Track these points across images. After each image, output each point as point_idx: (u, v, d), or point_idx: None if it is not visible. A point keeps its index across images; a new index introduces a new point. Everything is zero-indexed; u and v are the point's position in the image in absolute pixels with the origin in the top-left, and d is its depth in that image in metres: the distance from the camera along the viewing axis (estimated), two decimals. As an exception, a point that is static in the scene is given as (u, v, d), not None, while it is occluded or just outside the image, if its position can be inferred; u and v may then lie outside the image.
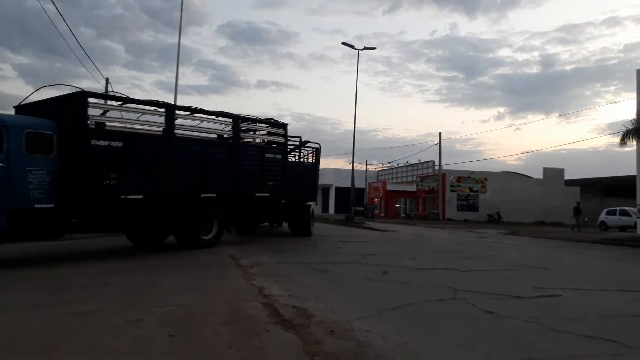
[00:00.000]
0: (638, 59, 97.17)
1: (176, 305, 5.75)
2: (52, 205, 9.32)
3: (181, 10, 23.57)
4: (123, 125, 11.28)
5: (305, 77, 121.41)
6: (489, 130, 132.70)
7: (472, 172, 42.55)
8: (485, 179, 42.53)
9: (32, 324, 4.99)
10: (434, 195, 43.34)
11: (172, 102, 19.83)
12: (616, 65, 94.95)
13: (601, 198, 42.41)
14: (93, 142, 9.70)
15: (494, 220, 38.56)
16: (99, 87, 27.46)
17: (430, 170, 47.78)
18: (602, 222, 30.45)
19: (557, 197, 41.10)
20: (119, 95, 11.08)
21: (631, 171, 23.88)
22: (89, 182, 9.66)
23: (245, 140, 14.01)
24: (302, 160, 18.43)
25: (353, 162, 33.55)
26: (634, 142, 20.19)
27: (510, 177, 45.02)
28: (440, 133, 41.84)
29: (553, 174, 43.81)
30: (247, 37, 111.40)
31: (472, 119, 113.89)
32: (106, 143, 9.92)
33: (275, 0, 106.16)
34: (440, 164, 42.15)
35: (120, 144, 10.14)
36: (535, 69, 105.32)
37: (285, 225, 17.75)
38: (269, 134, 15.01)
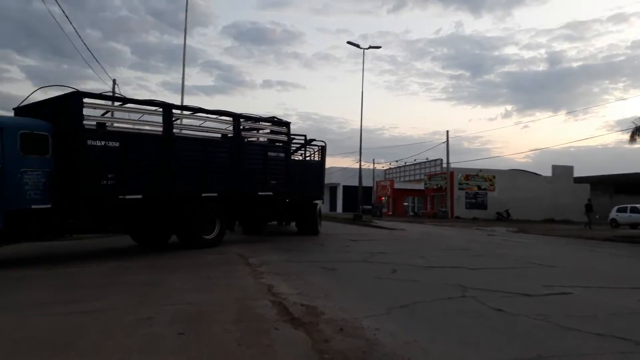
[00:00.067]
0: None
1: (186, 304, 5.79)
2: (48, 206, 9.29)
3: (186, 11, 23.71)
4: (122, 125, 11.27)
5: (310, 76, 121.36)
6: (497, 128, 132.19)
7: (480, 170, 42.36)
8: (494, 176, 42.32)
9: (44, 322, 5.04)
10: (442, 194, 43.19)
11: (180, 103, 20.01)
12: (624, 62, 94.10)
13: (611, 195, 42.08)
14: (89, 142, 9.67)
15: (502, 218, 38.36)
16: (106, 88, 27.65)
17: (438, 168, 47.55)
18: (613, 220, 30.23)
19: (567, 195, 40.84)
20: (115, 95, 11.02)
21: (642, 168, 23.61)
22: (85, 183, 9.62)
23: (247, 139, 13.94)
24: (309, 158, 18.31)
25: (360, 160, 33.54)
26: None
27: (518, 175, 44.78)
28: (447, 131, 41.63)
29: (562, 172, 43.53)
30: (252, 37, 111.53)
31: (479, 117, 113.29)
32: (103, 143, 9.88)
33: (280, 1, 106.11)
34: (448, 162, 41.98)
35: (117, 144, 10.10)
36: (542, 67, 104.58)
37: (293, 224, 17.76)
38: (272, 132, 14.91)
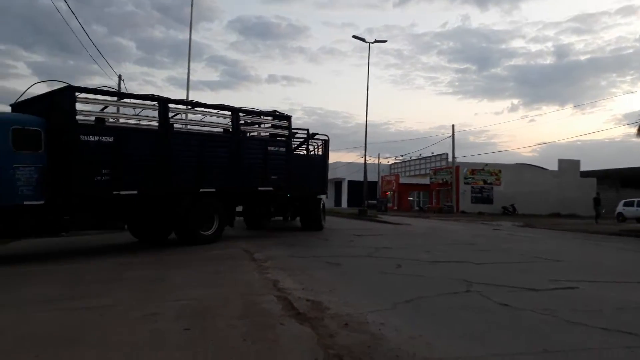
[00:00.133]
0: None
1: (191, 299, 5.81)
2: (42, 202, 9.23)
3: (191, 6, 23.69)
4: (121, 120, 11.25)
5: (316, 71, 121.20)
6: (503, 122, 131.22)
7: (486, 165, 42.17)
8: (500, 171, 42.12)
9: (49, 318, 5.08)
10: (447, 188, 43.06)
11: (185, 98, 20.02)
12: (632, 55, 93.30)
13: (617, 189, 41.77)
14: (82, 137, 9.54)
15: (508, 212, 38.22)
16: (112, 83, 27.69)
17: (444, 162, 47.40)
18: (620, 214, 30.03)
19: (573, 189, 40.59)
20: (109, 89, 10.77)
21: (649, 162, 23.43)
22: (78, 178, 9.52)
23: (247, 133, 13.77)
24: (312, 152, 17.95)
25: (365, 155, 33.52)
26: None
27: (524, 169, 44.54)
28: (453, 125, 41.49)
29: (569, 166, 43.24)
30: (257, 32, 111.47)
31: (485, 110, 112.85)
32: (96, 138, 9.75)
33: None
34: (453, 157, 41.86)
35: (111, 139, 9.97)
36: (549, 60, 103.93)
37: (298, 219, 17.72)
38: (273, 126, 14.69)
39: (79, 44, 49.01)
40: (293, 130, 16.40)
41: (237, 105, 13.19)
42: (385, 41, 33.95)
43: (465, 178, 41.55)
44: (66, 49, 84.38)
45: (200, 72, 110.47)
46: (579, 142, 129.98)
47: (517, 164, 46.28)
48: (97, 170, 9.78)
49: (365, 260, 9.67)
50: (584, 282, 7.19)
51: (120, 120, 11.42)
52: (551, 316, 5.08)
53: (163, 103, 11.17)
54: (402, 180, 53.77)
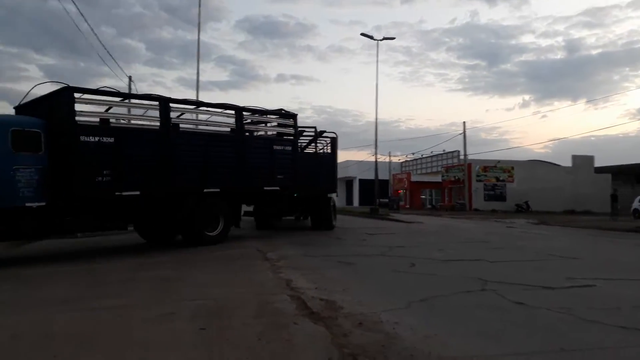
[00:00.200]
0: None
1: (206, 299, 5.85)
2: (43, 204, 9.21)
3: (199, 6, 23.75)
4: (124, 120, 11.17)
5: (324, 69, 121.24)
6: (514, 118, 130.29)
7: (499, 162, 41.85)
8: (512, 168, 41.80)
9: (69, 318, 5.14)
10: (460, 186, 42.83)
11: (195, 98, 20.10)
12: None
13: (633, 185, 41.20)
14: (82, 138, 9.49)
15: (522, 209, 37.89)
16: (122, 85, 27.97)
17: (456, 160, 47.14)
18: (636, 210, 29.64)
19: (587, 185, 40.15)
20: (109, 90, 10.72)
21: (665, 157, 23.08)
22: (79, 180, 9.47)
23: (252, 132, 13.64)
24: (322, 151, 17.73)
25: (376, 153, 33.43)
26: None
27: (537, 166, 44.17)
28: (464, 122, 41.48)
29: (582, 162, 42.76)
30: (265, 31, 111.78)
31: (496, 107, 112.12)
32: (97, 139, 9.68)
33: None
34: (465, 154, 41.59)
35: (112, 140, 9.90)
36: (559, 55, 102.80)
37: (309, 219, 17.66)
38: (279, 125, 14.52)
39: (89, 46, 49.64)
40: (300, 129, 16.18)
41: (245, 104, 13.12)
42: (393, 38, 34.03)
43: (478, 175, 41.28)
44: (76, 51, 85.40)
45: (210, 72, 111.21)
46: (592, 138, 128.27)
47: (529, 160, 45.94)
48: (98, 171, 9.70)
49: (378, 259, 9.66)
50: (600, 280, 7.11)
51: (123, 121, 11.32)
52: (567, 314, 5.03)
53: (164, 103, 11.08)
54: (413, 179, 53.60)
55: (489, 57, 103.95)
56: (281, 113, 14.42)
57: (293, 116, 14.29)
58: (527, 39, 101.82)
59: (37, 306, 5.76)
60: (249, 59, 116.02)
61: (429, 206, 50.19)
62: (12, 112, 10.97)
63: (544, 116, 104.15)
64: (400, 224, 22.23)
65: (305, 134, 16.92)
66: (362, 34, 31.88)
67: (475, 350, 4.00)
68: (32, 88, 10.40)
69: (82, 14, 22.39)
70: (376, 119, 32.10)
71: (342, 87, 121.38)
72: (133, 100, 11.76)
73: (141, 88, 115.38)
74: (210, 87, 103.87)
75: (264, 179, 13.06)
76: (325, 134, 17.42)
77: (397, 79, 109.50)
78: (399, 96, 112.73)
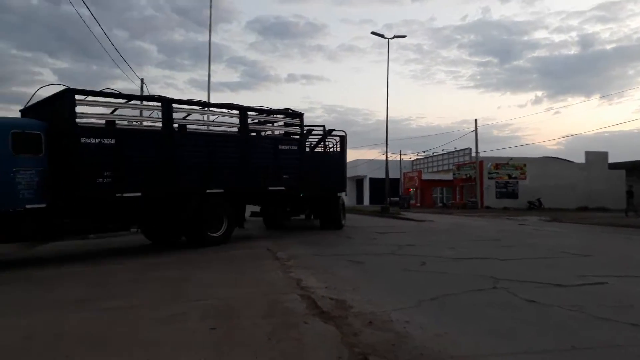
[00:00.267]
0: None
1: (216, 299, 5.88)
2: (43, 206, 9.22)
3: (210, 8, 23.92)
4: (125, 122, 11.15)
5: (335, 68, 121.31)
6: (527, 115, 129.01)
7: (511, 159, 41.50)
8: (525, 165, 41.40)
9: (80, 318, 5.20)
10: (471, 184, 42.53)
11: (207, 100, 20.20)
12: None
13: (648, 181, 40.65)
14: (83, 140, 9.49)
15: (534, 207, 37.53)
16: (134, 87, 28.22)
17: (467, 158, 46.85)
18: (651, 206, 29.18)
19: (601, 182, 39.64)
20: (111, 91, 10.68)
21: (680, 152, 22.76)
22: (80, 181, 9.48)
23: (258, 132, 13.59)
24: (332, 150, 17.54)
25: (387, 152, 33.35)
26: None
27: (550, 162, 43.69)
28: (476, 120, 40.88)
29: (596, 158, 42.21)
30: (276, 31, 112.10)
31: (509, 104, 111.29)
32: (97, 141, 9.68)
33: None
34: (477, 151, 41.26)
35: (113, 141, 9.89)
36: (573, 50, 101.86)
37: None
38: (285, 125, 14.42)
39: (102, 49, 49.92)
40: (309, 127, 16.10)
41: (256, 105, 13.12)
42: (404, 36, 33.79)
43: (490, 173, 40.96)
44: (89, 54, 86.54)
45: (221, 73, 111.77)
46: (606, 134, 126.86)
47: (542, 157, 45.44)
48: (99, 172, 9.69)
49: (389, 258, 9.64)
50: (612, 277, 7.04)
51: (126, 122, 11.25)
52: (579, 312, 4.99)
53: (167, 104, 11.03)
54: (424, 177, 53.37)
55: (501, 54, 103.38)
56: (287, 112, 14.29)
57: (299, 115, 14.15)
58: (540, 34, 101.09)
59: (49, 307, 5.83)
60: (260, 60, 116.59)
61: (440, 204, 49.93)
62: (19, 115, 11.06)
63: (557, 112, 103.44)
64: (411, 222, 22.16)
65: (314, 132, 16.79)
66: (373, 33, 31.79)
67: (486, 348, 3.99)
68: (37, 90, 10.45)
69: (95, 18, 22.76)
70: (387, 117, 32.07)
71: (353, 86, 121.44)
72: (136, 102, 11.74)
73: (153, 90, 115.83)
74: (221, 88, 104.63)
75: (269, 179, 12.96)
76: (334, 133, 17.22)
77: (408, 77, 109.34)
78: (409, 94, 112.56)
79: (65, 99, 9.58)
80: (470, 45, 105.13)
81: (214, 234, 11.86)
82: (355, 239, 13.79)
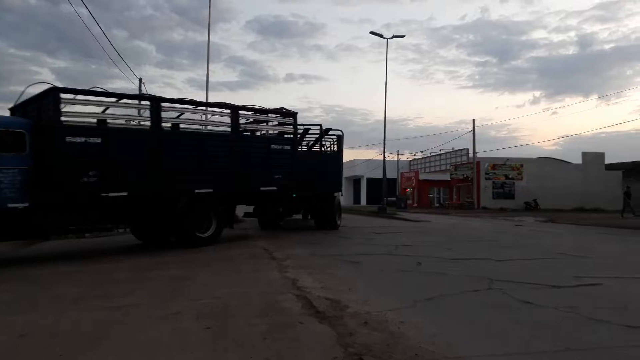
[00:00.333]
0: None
1: (212, 298, 5.88)
2: (26, 205, 9.04)
3: (209, 7, 23.93)
4: (116, 121, 11.07)
5: (333, 68, 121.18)
6: (524, 115, 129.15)
7: (508, 159, 41.63)
8: (522, 165, 41.54)
9: (78, 317, 5.19)
10: (468, 184, 42.63)
11: (205, 99, 20.18)
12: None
13: (644, 182, 40.79)
14: (68, 139, 9.35)
15: (531, 207, 37.67)
16: (133, 87, 28.19)
17: (464, 158, 46.90)
18: (648, 207, 29.27)
19: (598, 183, 39.79)
20: (98, 90, 10.50)
21: (677, 154, 22.84)
22: (64, 180, 9.35)
23: (252, 131, 13.53)
24: (329, 149, 17.45)
25: (384, 152, 33.37)
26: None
27: (547, 163, 43.83)
28: (473, 120, 41.10)
29: (593, 159, 42.37)
30: (275, 31, 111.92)
31: (507, 104, 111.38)
32: (83, 140, 9.53)
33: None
34: (474, 152, 41.34)
35: (99, 140, 9.74)
36: (571, 50, 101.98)
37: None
38: (279, 124, 14.31)
39: (101, 49, 49.61)
40: (306, 127, 16.06)
41: (254, 104, 13.07)
42: (403, 36, 33.83)
43: (487, 173, 41.08)
44: (88, 54, 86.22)
45: (219, 72, 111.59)
46: (603, 135, 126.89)
47: (539, 158, 45.59)
48: (84, 171, 9.55)
49: (385, 258, 9.65)
50: (608, 279, 7.07)
51: (116, 121, 11.12)
52: (574, 313, 5.01)
53: (156, 102, 10.91)
54: (421, 177, 53.37)
55: (500, 54, 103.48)
56: (281, 112, 14.14)
57: (293, 115, 14.02)
58: (538, 34, 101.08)
59: (45, 305, 5.82)
60: (259, 59, 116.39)
61: (437, 205, 50.02)
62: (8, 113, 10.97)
63: (554, 113, 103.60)
64: (408, 222, 22.20)
65: (310, 132, 16.72)
66: (372, 32, 31.73)
67: (481, 349, 4.00)
68: (26, 88, 10.41)
69: (93, 17, 22.74)
70: (385, 117, 32.06)
71: (351, 85, 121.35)
72: (125, 100, 11.59)
73: (151, 89, 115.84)
74: (220, 87, 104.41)
75: (260, 179, 12.81)
76: (331, 132, 17.12)
77: (407, 77, 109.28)
78: (408, 94, 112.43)
79: (51, 97, 9.46)
80: (468, 45, 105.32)
81: (203, 235, 11.70)
82: (351, 239, 13.80)
